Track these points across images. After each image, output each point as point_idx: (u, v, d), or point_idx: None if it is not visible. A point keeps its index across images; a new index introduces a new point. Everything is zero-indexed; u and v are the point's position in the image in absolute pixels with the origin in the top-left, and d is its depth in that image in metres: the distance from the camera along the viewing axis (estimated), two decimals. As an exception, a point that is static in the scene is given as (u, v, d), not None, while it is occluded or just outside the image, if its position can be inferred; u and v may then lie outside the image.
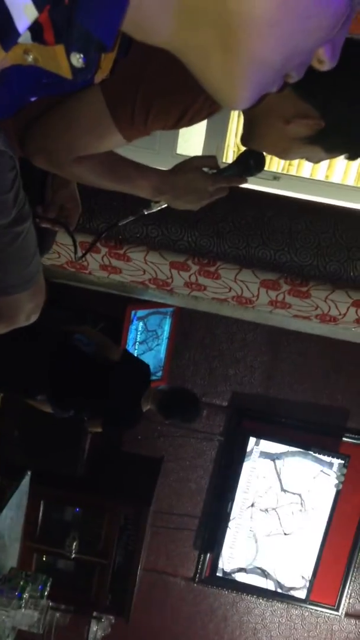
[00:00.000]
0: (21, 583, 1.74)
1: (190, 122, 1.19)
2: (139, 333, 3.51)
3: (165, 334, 3.64)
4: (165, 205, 1.40)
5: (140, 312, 3.46)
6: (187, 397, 2.85)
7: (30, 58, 0.69)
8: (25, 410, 3.46)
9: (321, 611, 4.03)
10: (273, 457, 3.85)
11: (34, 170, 1.32)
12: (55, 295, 1.72)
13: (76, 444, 3.42)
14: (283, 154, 1.29)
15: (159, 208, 1.43)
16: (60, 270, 2.71)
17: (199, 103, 1.13)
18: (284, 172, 3.16)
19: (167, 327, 3.64)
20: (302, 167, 3.24)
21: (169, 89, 1.11)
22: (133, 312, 3.41)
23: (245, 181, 1.39)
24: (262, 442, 3.83)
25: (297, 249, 2.25)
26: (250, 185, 1.96)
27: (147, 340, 3.57)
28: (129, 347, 3.43)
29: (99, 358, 2.69)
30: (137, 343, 3.50)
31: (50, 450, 3.41)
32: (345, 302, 2.30)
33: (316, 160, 1.30)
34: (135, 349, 3.49)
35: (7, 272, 1.32)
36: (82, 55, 0.67)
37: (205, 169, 1.34)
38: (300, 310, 2.51)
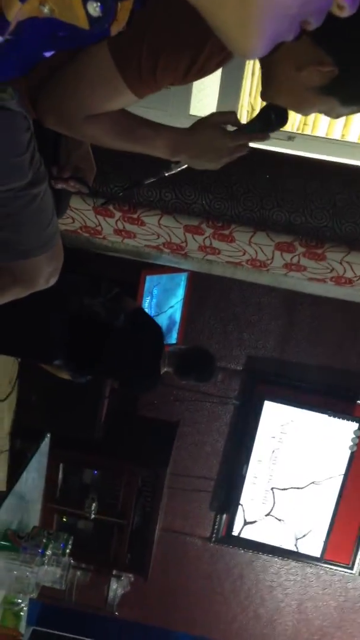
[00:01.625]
0: (44, 541, 1.78)
1: (201, 73, 1.16)
2: (153, 298, 3.52)
3: (180, 298, 3.65)
4: (186, 166, 1.37)
5: (155, 277, 3.46)
6: (203, 356, 2.84)
7: (46, 9, 0.68)
8: (42, 376, 3.51)
9: (336, 569, 4.10)
10: (288, 420, 3.88)
11: (47, 132, 1.30)
12: (69, 262, 1.72)
13: (93, 409, 3.47)
14: (299, 106, 1.26)
15: (179, 169, 1.40)
16: (74, 236, 2.71)
17: (207, 49, 1.09)
18: (299, 131, 3.10)
19: (181, 292, 3.64)
20: (318, 127, 3.18)
21: (176, 39, 1.08)
22: (148, 277, 3.41)
23: (268, 137, 1.35)
24: (277, 405, 3.86)
25: (312, 210, 2.23)
26: (264, 145, 1.94)
27: (162, 305, 3.57)
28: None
29: (114, 313, 2.68)
30: (152, 307, 3.51)
31: (68, 414, 3.46)
32: (360, 263, 2.29)
33: (334, 115, 1.26)
34: (150, 314, 3.51)
35: (25, 235, 1.33)
36: (99, 4, 0.65)
37: (224, 126, 1.31)
38: (316, 272, 2.50)
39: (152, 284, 3.48)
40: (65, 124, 1.23)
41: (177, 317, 3.69)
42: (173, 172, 1.42)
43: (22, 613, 1.85)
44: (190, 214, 2.35)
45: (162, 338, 2.80)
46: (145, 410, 4.00)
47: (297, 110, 1.28)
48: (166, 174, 1.43)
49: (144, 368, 2.70)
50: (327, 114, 1.25)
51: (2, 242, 1.34)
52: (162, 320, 3.58)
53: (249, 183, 2.23)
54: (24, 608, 1.81)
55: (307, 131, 3.17)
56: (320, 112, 1.25)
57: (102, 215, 2.45)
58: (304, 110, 1.27)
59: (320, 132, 3.20)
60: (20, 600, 1.70)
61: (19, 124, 1.11)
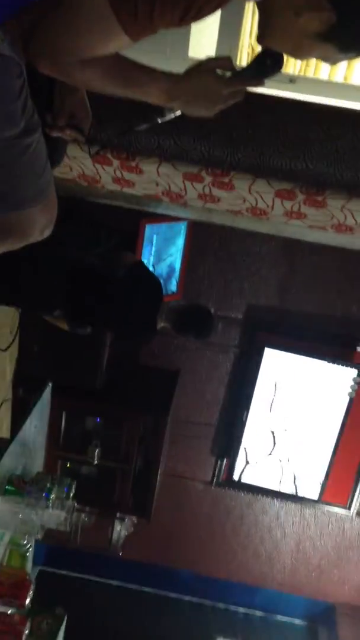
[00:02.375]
0: (48, 485, 1.83)
1: (199, 14, 1.12)
2: (153, 247, 3.50)
3: (180, 247, 3.63)
4: (180, 112, 1.35)
5: (155, 226, 3.43)
6: (201, 314, 2.83)
7: None
8: (43, 326, 3.53)
9: (333, 511, 4.23)
10: (288, 366, 3.92)
11: (40, 78, 1.27)
12: (67, 211, 1.71)
13: (95, 357, 3.51)
14: (296, 52, 1.23)
15: (173, 116, 1.38)
16: (72, 185, 2.68)
17: None
18: (301, 74, 3.02)
19: (181, 241, 3.62)
20: (320, 69, 3.09)
21: None
22: (147, 226, 3.38)
23: (263, 83, 1.33)
24: (277, 352, 3.90)
25: (313, 156, 2.20)
26: (265, 89, 1.89)
27: (162, 255, 3.56)
28: (144, 260, 3.42)
29: (113, 264, 2.68)
30: (152, 257, 3.49)
31: (69, 363, 3.50)
32: (361, 210, 2.27)
33: (332, 62, 1.24)
34: (149, 264, 3.49)
35: (19, 186, 1.31)
36: None
37: (219, 71, 1.28)
38: (316, 220, 2.48)
39: (152, 232, 3.45)
40: (58, 68, 1.20)
41: (177, 266, 3.68)
42: (167, 118, 1.40)
43: (28, 554, 1.92)
44: (189, 162, 2.31)
45: (161, 292, 2.80)
46: (146, 359, 4.04)
47: (294, 56, 1.25)
48: (159, 121, 1.41)
49: (140, 321, 2.71)
50: (325, 60, 1.23)
51: (-4, 193, 1.33)
52: (161, 269, 3.58)
53: (248, 129, 2.19)
54: (30, 549, 1.87)
55: (309, 73, 3.08)
56: (317, 58, 1.22)
57: (100, 164, 2.42)
58: (301, 56, 1.24)
59: (323, 74, 3.11)
60: (25, 542, 1.77)
61: (11, 69, 1.08)
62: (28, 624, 1.62)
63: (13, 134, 1.15)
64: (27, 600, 1.61)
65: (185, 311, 2.77)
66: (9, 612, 1.60)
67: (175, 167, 2.34)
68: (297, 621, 4.63)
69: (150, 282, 2.78)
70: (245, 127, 2.19)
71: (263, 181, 2.29)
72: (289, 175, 2.24)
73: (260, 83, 1.31)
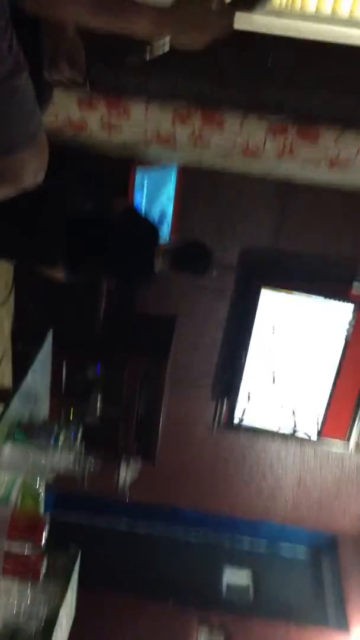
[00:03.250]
0: (55, 430, 1.88)
1: None
2: (144, 194, 3.46)
3: (171, 193, 3.59)
4: (168, 48, 1.32)
5: (145, 173, 3.38)
6: (198, 249, 2.83)
7: None
8: (39, 279, 3.52)
9: (332, 447, 4.34)
10: (284, 307, 3.95)
11: (26, 18, 1.24)
12: (56, 162, 1.68)
13: (92, 308, 3.52)
14: None
15: (162, 49, 1.35)
16: (59, 133, 2.64)
17: None
18: (287, 8, 2.93)
19: (172, 187, 3.58)
20: (307, 2, 3.00)
21: None
22: (137, 173, 3.34)
23: (254, 8, 1.30)
24: (273, 293, 3.92)
25: (304, 89, 2.16)
26: (252, 23, 1.84)
27: (153, 201, 3.53)
28: (136, 205, 3.40)
29: (107, 211, 2.67)
30: (144, 203, 3.46)
31: (67, 315, 3.51)
32: (355, 143, 2.25)
33: None
34: (142, 208, 3.47)
35: (8, 129, 1.29)
36: None
37: (208, 2, 1.25)
38: (309, 157, 2.46)
39: (142, 179, 3.41)
40: (44, 5, 1.17)
41: (169, 212, 3.65)
42: (155, 55, 1.37)
43: (40, 496, 1.98)
44: (177, 101, 2.28)
45: (156, 233, 2.79)
46: (143, 306, 4.05)
47: None
48: (148, 55, 1.38)
49: (138, 263, 2.71)
50: None
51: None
52: (153, 217, 3.55)
53: (237, 64, 2.15)
54: (42, 492, 1.94)
55: (297, 6, 2.99)
56: None
57: (87, 108, 2.38)
58: None
59: (310, 6, 3.02)
60: (37, 485, 1.82)
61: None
62: (44, 562, 1.69)
63: (0, 74, 1.13)
64: (43, 540, 1.66)
65: (182, 249, 2.77)
66: (26, 552, 1.65)
67: (164, 108, 2.31)
68: (301, 551, 4.82)
69: (144, 223, 2.76)
70: (233, 62, 2.14)
71: (254, 117, 2.26)
72: (281, 109, 2.21)
73: (251, 8, 1.28)
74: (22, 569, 1.62)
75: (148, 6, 1.23)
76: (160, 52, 1.37)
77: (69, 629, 2.30)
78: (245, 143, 2.42)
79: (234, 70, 2.15)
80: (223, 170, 3.02)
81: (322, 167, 2.54)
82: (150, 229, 2.76)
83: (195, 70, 2.15)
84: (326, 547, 4.74)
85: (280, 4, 3.01)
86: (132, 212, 2.79)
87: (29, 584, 1.69)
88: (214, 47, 1.36)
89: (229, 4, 1.27)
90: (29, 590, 1.71)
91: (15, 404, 1.81)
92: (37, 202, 2.27)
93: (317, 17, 3.01)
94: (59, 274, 2.76)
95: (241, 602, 4.51)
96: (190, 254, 2.74)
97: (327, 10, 3.08)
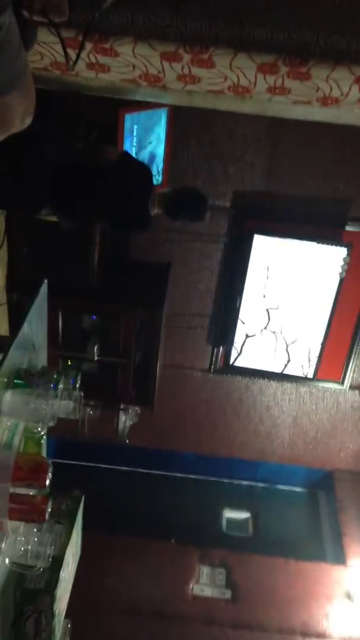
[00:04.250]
0: (54, 377, 1.90)
1: None
2: (134, 138, 3.40)
3: (162, 136, 3.52)
4: None
5: (134, 115, 3.31)
6: (193, 195, 2.81)
7: None
8: (31, 227, 3.49)
9: (327, 386, 4.42)
10: (278, 252, 3.94)
11: None
12: (42, 106, 1.64)
13: (86, 256, 3.50)
14: None
15: None
16: (44, 74, 2.56)
17: None
18: None
19: (162, 129, 3.51)
20: None
21: None
22: (127, 115, 3.27)
23: None
24: (266, 238, 3.90)
25: (295, 24, 2.09)
26: None
27: (143, 145, 3.46)
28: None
29: (98, 159, 2.64)
30: (133, 148, 3.40)
31: (60, 264, 3.50)
32: (347, 79, 2.19)
33: None
34: (132, 154, 3.41)
35: (-7, 71, 1.25)
36: None
37: None
38: (301, 94, 2.40)
39: (132, 122, 3.34)
40: None
41: (160, 155, 3.59)
42: None
43: (42, 441, 2.02)
44: (165, 39, 2.20)
45: (151, 178, 2.75)
46: (136, 254, 4.04)
47: None
48: None
49: (133, 209, 2.69)
50: None
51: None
52: (143, 158, 3.49)
53: (226, -2, 2.07)
54: (44, 436, 1.97)
55: None
56: None
57: (72, 48, 2.30)
58: None
59: None
60: (39, 429, 1.86)
61: None
62: (50, 504, 1.73)
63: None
64: (47, 481, 1.70)
65: (178, 195, 2.75)
66: (31, 493, 1.70)
67: (152, 47, 2.23)
68: (298, 489, 4.98)
69: (138, 168, 2.73)
70: (222, -4, 2.06)
71: (244, 55, 2.19)
72: (271, 46, 2.14)
73: None
74: (28, 510, 1.67)
75: None
76: None
77: (75, 568, 2.40)
78: (235, 82, 2.35)
79: (223, 4, 2.07)
80: (214, 109, 2.95)
81: (315, 105, 2.48)
82: (144, 173, 2.73)
83: (180, 6, 2.07)
84: (322, 483, 4.89)
85: None
86: (126, 157, 2.75)
87: (35, 525, 1.75)
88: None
89: None
90: (35, 531, 1.76)
91: (13, 352, 1.82)
92: (24, 146, 2.23)
93: None
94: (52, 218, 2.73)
95: (240, 540, 4.67)
96: (186, 200, 2.72)
97: None
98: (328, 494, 4.85)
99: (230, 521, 4.80)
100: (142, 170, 2.74)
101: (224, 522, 4.79)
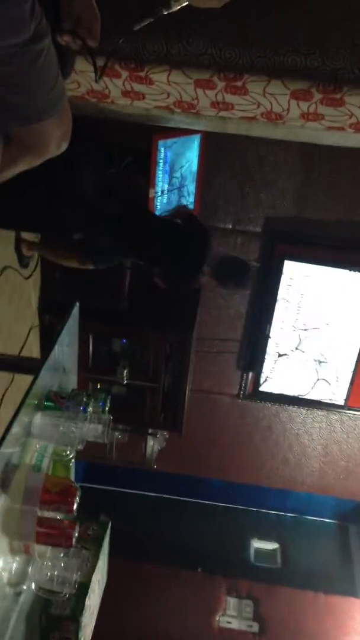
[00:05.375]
0: (84, 400, 1.89)
1: None
2: (167, 164, 3.43)
3: (194, 161, 3.55)
4: (186, 3, 1.29)
5: (168, 142, 3.35)
6: (241, 265, 2.97)
7: None
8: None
9: (359, 414, 4.32)
10: (308, 278, 3.91)
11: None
12: (77, 132, 1.67)
13: (117, 280, 3.53)
14: None
15: (179, 7, 1.32)
16: (81, 102, 2.61)
17: None
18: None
19: (195, 155, 3.53)
20: None
21: None
22: (160, 142, 3.30)
23: None
24: (297, 264, 3.88)
25: (328, 51, 2.10)
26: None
27: (176, 170, 3.49)
28: (159, 179, 3.37)
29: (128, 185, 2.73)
30: (166, 174, 3.43)
31: (92, 287, 3.52)
32: (381, 106, 2.19)
33: None
34: (164, 181, 3.44)
35: (32, 97, 1.28)
36: None
37: None
38: (334, 120, 2.40)
39: (165, 148, 3.37)
40: None
41: (192, 181, 3.61)
42: (173, 10, 1.34)
43: (71, 464, 2.01)
44: (200, 67, 2.23)
45: (210, 244, 2.89)
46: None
47: None
48: (165, 12, 1.35)
49: (191, 270, 2.85)
50: None
51: (10, 107, 1.30)
52: (175, 185, 3.51)
53: (260, 26, 2.09)
54: (72, 460, 1.96)
55: None
56: None
57: (109, 77, 2.34)
58: None
59: None
60: (68, 452, 1.85)
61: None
62: (77, 528, 1.72)
63: (23, 39, 1.11)
64: (75, 506, 1.69)
65: (227, 263, 2.91)
66: (59, 517, 1.68)
67: (186, 75, 2.27)
68: (328, 520, 4.85)
69: (202, 232, 2.89)
70: (256, 24, 2.09)
71: (278, 82, 2.21)
72: (305, 73, 2.15)
73: None
74: (55, 535, 1.65)
75: None
76: (179, 7, 1.34)
77: (101, 595, 2.36)
78: (269, 108, 2.37)
79: (256, 33, 2.09)
80: (247, 135, 2.97)
81: (348, 131, 2.48)
82: (205, 238, 2.88)
83: (216, 34, 2.10)
84: (353, 515, 4.76)
85: None
86: (193, 220, 2.97)
87: (62, 550, 1.73)
88: (235, 9, 1.32)
89: None
90: (62, 556, 1.74)
91: (44, 374, 1.83)
92: (59, 171, 2.27)
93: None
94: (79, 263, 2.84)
95: (269, 571, 4.57)
96: (234, 269, 2.93)
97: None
98: (359, 526, 4.73)
99: (258, 551, 4.70)
100: (204, 234, 2.90)
101: (252, 552, 4.69)
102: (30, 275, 3.52)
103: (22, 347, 3.54)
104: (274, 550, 4.71)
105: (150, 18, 1.42)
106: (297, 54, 2.12)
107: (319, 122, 2.43)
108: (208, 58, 2.18)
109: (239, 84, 2.25)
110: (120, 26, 2.07)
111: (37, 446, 1.74)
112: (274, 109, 2.38)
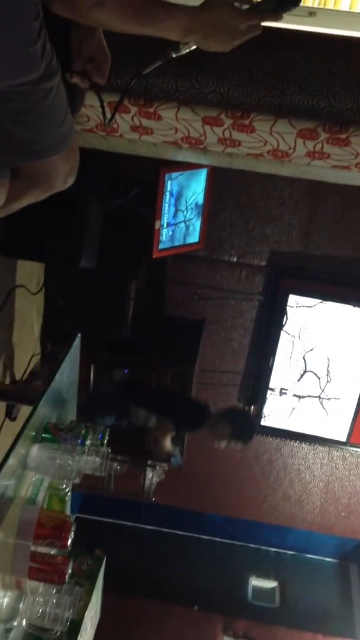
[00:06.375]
0: (82, 432, 1.88)
1: None
2: (173, 197, 3.46)
3: (201, 195, 3.58)
4: (195, 47, 1.32)
5: (174, 175, 3.38)
6: (244, 420, 3.34)
7: None
8: (68, 280, 3.55)
9: (361, 452, 4.28)
10: (312, 312, 3.91)
11: (56, 20, 1.25)
12: (85, 164, 1.69)
13: (120, 309, 3.53)
14: None
15: (187, 50, 1.35)
16: (90, 135, 2.65)
17: None
18: (320, 6, 2.90)
19: (202, 189, 3.57)
20: (340, 1, 2.97)
21: None
22: (167, 175, 3.34)
23: (281, 17, 1.29)
24: (301, 298, 3.88)
25: (335, 92, 2.13)
26: (283, 23, 1.83)
27: (182, 203, 3.52)
28: (165, 212, 3.40)
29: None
30: (172, 207, 3.46)
31: (95, 316, 3.53)
32: (387, 147, 2.21)
33: None
34: (170, 214, 3.47)
35: (40, 133, 1.30)
36: None
37: (237, 4, 1.25)
38: (339, 159, 2.42)
39: (172, 182, 3.41)
40: (75, 8, 1.18)
41: (198, 214, 3.63)
42: (181, 53, 1.36)
43: (66, 498, 1.99)
44: (208, 104, 2.26)
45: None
46: (171, 309, 4.05)
47: None
48: (174, 55, 1.38)
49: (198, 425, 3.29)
50: None
51: (18, 142, 1.32)
52: (182, 218, 3.54)
53: (268, 66, 2.13)
54: (68, 493, 1.94)
55: (329, 5, 2.96)
56: None
57: (118, 112, 2.37)
58: None
59: (343, 5, 2.99)
60: (64, 486, 1.82)
61: (29, 10, 1.06)
62: (70, 564, 1.69)
63: (34, 78, 1.13)
64: (69, 541, 1.66)
65: (232, 416, 3.27)
66: (52, 552, 1.66)
67: (194, 111, 2.30)
68: (328, 559, 4.76)
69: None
70: (264, 65, 2.12)
71: (284, 121, 2.24)
72: (311, 113, 2.18)
73: (278, 17, 1.27)
74: (48, 571, 1.62)
75: (178, 11, 1.23)
76: (187, 51, 1.37)
77: (94, 632, 2.30)
78: (275, 146, 2.39)
79: (264, 72, 2.13)
80: (253, 171, 3.00)
81: (353, 170, 2.50)
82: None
83: (225, 73, 2.13)
84: (354, 555, 4.67)
85: (313, 3, 2.99)
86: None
87: (55, 586, 1.70)
88: (243, 49, 1.35)
89: (258, 7, 1.25)
90: (54, 592, 1.71)
91: (43, 405, 1.82)
92: (66, 204, 2.29)
93: (350, 16, 2.99)
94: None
95: (267, 610, 4.47)
96: (238, 423, 3.22)
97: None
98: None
99: (256, 590, 4.60)
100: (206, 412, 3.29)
101: (249, 590, 4.59)
102: (37, 292, 3.51)
103: (23, 375, 3.53)
104: (273, 588, 4.61)
105: (159, 61, 1.44)
106: (303, 94, 2.15)
107: (324, 160, 2.45)
108: (216, 96, 2.21)
109: (246, 122, 2.28)
110: (131, 67, 2.12)
111: (33, 479, 1.72)
112: (281, 147, 2.41)
